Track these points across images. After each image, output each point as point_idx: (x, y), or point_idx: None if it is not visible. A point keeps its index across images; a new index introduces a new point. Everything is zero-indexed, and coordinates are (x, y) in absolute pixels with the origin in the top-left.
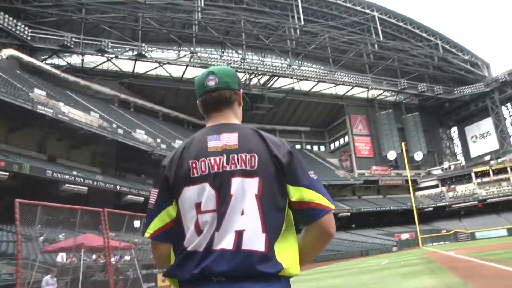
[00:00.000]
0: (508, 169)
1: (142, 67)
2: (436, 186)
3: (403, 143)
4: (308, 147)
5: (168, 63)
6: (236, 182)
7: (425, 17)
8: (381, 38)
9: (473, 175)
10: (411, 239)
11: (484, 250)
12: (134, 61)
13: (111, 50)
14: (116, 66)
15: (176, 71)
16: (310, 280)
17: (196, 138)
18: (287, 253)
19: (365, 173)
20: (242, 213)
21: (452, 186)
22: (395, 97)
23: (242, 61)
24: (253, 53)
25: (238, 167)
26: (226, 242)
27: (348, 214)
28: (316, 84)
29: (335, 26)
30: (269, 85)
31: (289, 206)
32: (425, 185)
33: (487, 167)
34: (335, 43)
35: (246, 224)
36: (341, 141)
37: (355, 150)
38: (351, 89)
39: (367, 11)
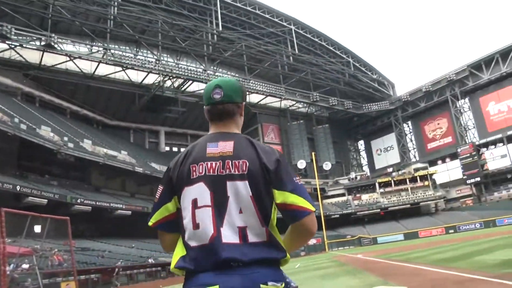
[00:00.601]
0: (407, 180)
1: (50, 60)
2: (343, 194)
3: (313, 153)
4: None
5: (80, 57)
6: (231, 185)
7: (339, 35)
8: (296, 51)
9: (377, 185)
10: (318, 244)
11: (389, 252)
12: (41, 52)
13: (14, 37)
14: (20, 56)
15: (87, 66)
16: None
17: (198, 145)
18: (280, 242)
19: None
20: (240, 212)
21: (358, 195)
22: (307, 108)
23: (157, 62)
24: (168, 55)
25: (232, 172)
26: (233, 237)
27: None
28: None
29: (252, 35)
30: (183, 88)
31: (276, 206)
32: (333, 193)
33: (389, 178)
34: (252, 51)
35: (246, 221)
36: None
37: None
38: (265, 98)
39: (284, 23)
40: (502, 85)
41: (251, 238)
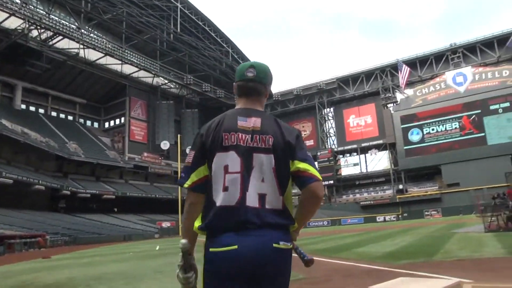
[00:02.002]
0: None
1: None
2: None
3: (178, 136)
4: (82, 120)
5: None
6: (257, 156)
7: (223, 24)
8: (178, 30)
9: None
10: (172, 228)
11: None
12: None
13: None
14: None
15: None
16: (85, 265)
17: (228, 116)
18: (291, 212)
19: (136, 158)
20: (262, 181)
21: None
22: (178, 90)
23: (23, 5)
24: (39, 1)
25: (259, 145)
26: (254, 202)
27: (113, 197)
28: (103, 56)
29: (136, 3)
30: (51, 43)
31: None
32: None
33: None
34: (133, 20)
35: (266, 189)
36: (117, 121)
37: (129, 133)
38: (138, 71)
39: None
40: (363, 102)
41: (268, 205)
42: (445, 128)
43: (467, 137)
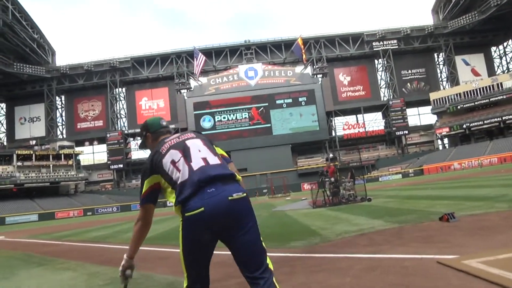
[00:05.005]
0: (51, 156)
1: None
2: None
3: None
4: None
5: None
6: (188, 141)
7: None
8: None
9: (15, 157)
10: None
11: (41, 232)
12: None
13: None
14: None
15: None
16: None
17: (159, 143)
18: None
19: None
20: (199, 151)
21: None
22: None
23: None
24: None
25: (186, 137)
26: (200, 164)
27: None
28: None
29: None
30: None
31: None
32: None
33: (31, 151)
34: None
35: (205, 154)
36: None
37: None
38: None
39: None
40: (157, 85)
41: (211, 162)
42: (236, 117)
43: (255, 126)
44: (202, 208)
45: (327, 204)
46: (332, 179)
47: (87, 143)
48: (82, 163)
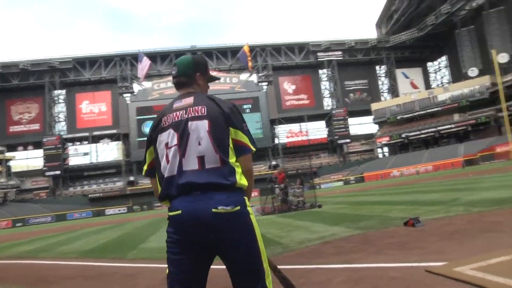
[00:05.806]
0: None
1: None
2: None
3: None
4: None
5: None
6: (191, 124)
7: None
8: None
9: None
10: None
11: None
12: None
13: None
14: None
15: None
16: None
17: (167, 105)
18: (238, 170)
19: None
20: (200, 144)
21: None
22: None
23: None
24: None
25: (193, 114)
26: (193, 165)
27: None
28: None
29: None
30: None
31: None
32: None
33: None
34: None
35: (204, 151)
36: None
37: None
38: None
39: None
40: (99, 88)
41: (208, 165)
42: None
43: None
44: (180, 211)
45: (276, 211)
46: (282, 185)
47: (20, 147)
48: (13, 170)
